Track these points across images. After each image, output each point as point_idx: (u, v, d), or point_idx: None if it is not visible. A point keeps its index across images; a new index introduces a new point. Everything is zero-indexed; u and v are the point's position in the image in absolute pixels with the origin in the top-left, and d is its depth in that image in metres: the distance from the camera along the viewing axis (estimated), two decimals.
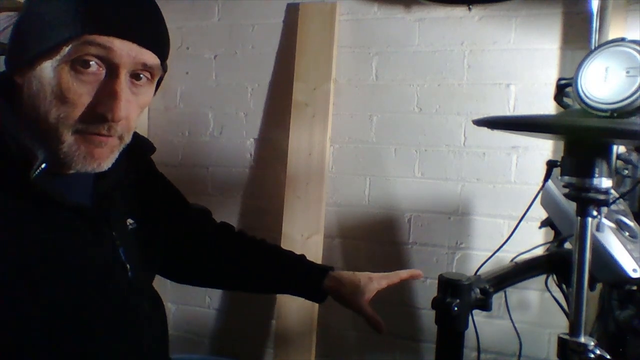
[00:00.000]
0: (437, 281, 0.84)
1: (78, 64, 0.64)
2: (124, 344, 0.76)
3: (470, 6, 1.52)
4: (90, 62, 0.64)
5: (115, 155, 0.72)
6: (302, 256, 1.05)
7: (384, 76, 1.65)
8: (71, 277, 0.69)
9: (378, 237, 1.69)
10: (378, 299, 1.75)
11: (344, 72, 1.68)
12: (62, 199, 0.69)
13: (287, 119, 1.69)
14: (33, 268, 0.65)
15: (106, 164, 0.70)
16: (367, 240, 1.70)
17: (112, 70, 0.65)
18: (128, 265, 0.78)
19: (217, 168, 1.84)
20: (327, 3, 1.66)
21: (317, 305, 1.63)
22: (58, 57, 0.63)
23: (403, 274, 1.05)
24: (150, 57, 0.68)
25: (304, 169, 1.66)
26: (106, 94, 0.65)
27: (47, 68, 0.64)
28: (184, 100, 1.86)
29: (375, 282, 1.01)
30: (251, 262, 1.03)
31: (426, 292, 1.65)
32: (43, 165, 0.65)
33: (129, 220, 0.83)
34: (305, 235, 1.65)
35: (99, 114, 0.65)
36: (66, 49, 0.63)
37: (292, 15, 1.72)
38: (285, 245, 1.66)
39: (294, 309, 1.64)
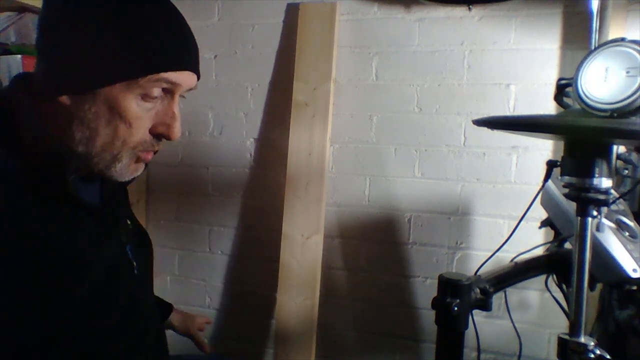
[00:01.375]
0: (437, 281, 0.84)
1: (148, 95, 0.68)
2: (130, 339, 0.79)
3: (470, 6, 1.52)
4: (158, 94, 0.70)
5: None
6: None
7: (384, 76, 1.65)
8: (87, 274, 0.71)
9: (378, 237, 1.69)
10: (378, 298, 1.75)
11: (344, 72, 1.68)
12: (82, 199, 0.71)
13: (287, 119, 1.69)
14: (55, 264, 0.67)
15: (140, 171, 0.76)
16: (367, 240, 1.70)
17: (171, 94, 0.72)
18: (134, 263, 0.82)
19: (217, 168, 1.84)
20: (327, 3, 1.66)
21: (317, 305, 1.63)
22: (129, 88, 0.67)
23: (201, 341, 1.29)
24: (195, 80, 0.74)
25: (304, 169, 1.66)
26: (166, 115, 0.72)
27: (114, 95, 0.67)
28: (184, 100, 1.85)
29: (197, 319, 1.26)
30: None
31: (426, 292, 1.65)
32: (75, 170, 0.69)
33: (127, 221, 0.87)
34: (305, 235, 1.65)
35: (159, 134, 0.72)
36: (140, 82, 0.67)
37: (292, 15, 1.72)
38: (285, 245, 1.66)
39: (294, 309, 1.64)
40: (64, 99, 0.67)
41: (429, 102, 1.61)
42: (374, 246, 1.70)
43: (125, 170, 0.72)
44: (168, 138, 0.72)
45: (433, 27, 1.60)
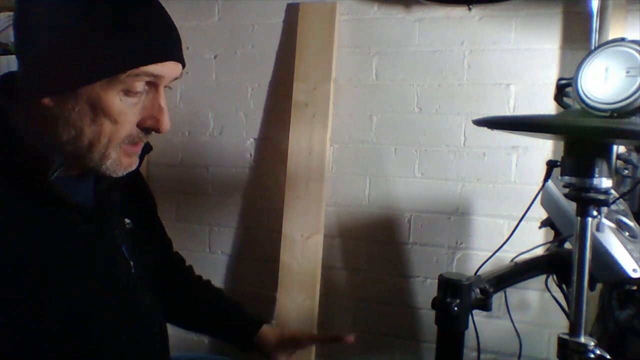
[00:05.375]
0: (437, 281, 0.84)
1: (130, 90, 0.67)
2: (127, 338, 0.79)
3: (470, 6, 1.52)
4: (141, 88, 0.68)
5: None
6: (240, 306, 1.09)
7: (384, 76, 1.65)
8: (80, 274, 0.71)
9: (378, 237, 1.69)
10: (378, 298, 1.75)
11: (344, 72, 1.68)
12: (69, 199, 0.71)
13: (287, 119, 1.68)
14: (45, 266, 0.67)
15: (135, 166, 0.75)
16: (367, 240, 1.70)
17: (155, 86, 0.70)
18: (131, 262, 0.81)
19: (217, 168, 1.84)
20: (327, 3, 1.66)
21: (317, 305, 1.63)
22: (110, 84, 0.65)
23: (328, 335, 1.12)
24: (180, 70, 0.73)
25: (304, 169, 1.66)
26: (152, 109, 0.70)
27: (96, 93, 0.65)
28: (184, 100, 1.86)
29: (297, 341, 1.06)
30: (195, 304, 1.07)
31: (426, 292, 1.65)
32: (58, 170, 0.68)
33: (126, 220, 0.86)
34: (305, 235, 1.65)
35: (147, 127, 0.71)
36: (121, 78, 0.65)
37: (292, 15, 1.72)
38: (285, 245, 1.66)
39: (294, 309, 1.64)
40: (47, 100, 0.67)
41: (429, 102, 1.61)
42: (374, 246, 1.70)
43: (117, 165, 0.71)
44: (157, 131, 0.72)
45: (433, 27, 1.60)
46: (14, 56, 1.47)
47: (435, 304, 0.82)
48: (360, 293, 1.71)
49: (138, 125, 0.70)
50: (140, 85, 0.68)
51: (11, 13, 1.56)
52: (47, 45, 0.65)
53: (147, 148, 0.89)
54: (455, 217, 1.61)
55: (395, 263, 1.67)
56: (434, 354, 0.86)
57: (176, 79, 0.73)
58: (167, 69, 0.69)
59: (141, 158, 0.92)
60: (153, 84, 0.70)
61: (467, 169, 1.59)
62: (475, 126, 0.74)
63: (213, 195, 1.84)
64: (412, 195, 1.64)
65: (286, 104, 1.70)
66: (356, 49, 1.67)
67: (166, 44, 0.70)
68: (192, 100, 1.85)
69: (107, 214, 0.79)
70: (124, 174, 0.73)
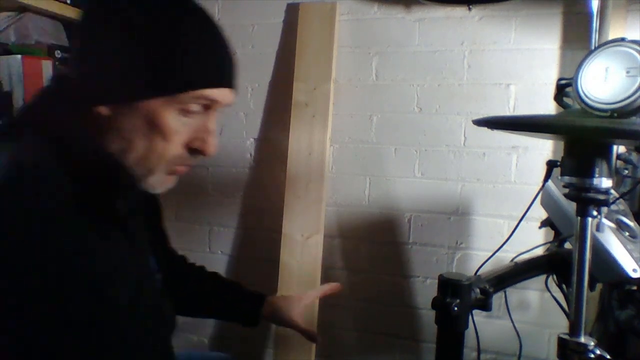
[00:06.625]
0: (437, 281, 0.84)
1: (187, 110, 0.68)
2: (156, 347, 0.79)
3: (470, 6, 1.52)
4: (196, 109, 0.69)
5: None
6: (238, 284, 1.11)
7: (384, 76, 1.65)
8: (121, 287, 0.70)
9: (378, 237, 1.69)
10: (378, 298, 1.75)
11: (344, 72, 1.68)
12: (120, 217, 0.70)
13: (287, 119, 1.68)
14: (96, 278, 0.65)
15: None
16: (367, 240, 1.70)
17: (208, 109, 0.71)
18: (157, 272, 0.82)
19: (217, 168, 1.84)
20: (327, 3, 1.66)
21: (317, 305, 1.63)
22: (169, 102, 0.66)
23: (324, 287, 1.16)
24: (233, 97, 0.74)
25: (304, 169, 1.66)
26: (202, 130, 0.71)
27: (153, 109, 0.66)
28: None
29: (303, 298, 1.10)
30: (197, 291, 1.07)
31: (426, 292, 1.65)
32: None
33: (150, 231, 0.86)
34: (305, 235, 1.65)
35: (194, 149, 0.71)
36: (180, 98, 0.66)
37: (292, 15, 1.72)
38: (285, 245, 1.66)
39: None
40: (102, 109, 0.66)
41: (429, 102, 1.61)
42: (374, 246, 1.70)
43: (159, 183, 0.72)
44: (203, 154, 0.72)
45: (433, 27, 1.60)
46: (14, 56, 1.47)
47: (435, 304, 0.82)
48: (360, 293, 1.71)
49: (185, 145, 0.70)
50: (196, 107, 0.68)
51: (11, 13, 1.55)
52: (113, 54, 0.65)
53: None
54: (455, 217, 1.61)
55: (395, 263, 1.67)
56: (434, 354, 0.86)
57: (227, 105, 0.74)
58: (224, 95, 0.71)
59: None
60: (207, 107, 0.70)
61: (467, 169, 1.59)
62: (475, 126, 0.74)
63: (213, 195, 1.84)
64: (412, 195, 1.64)
65: (286, 104, 1.70)
66: (356, 49, 1.67)
67: (230, 71, 0.72)
68: None
69: (137, 225, 0.78)
70: (162, 191, 0.73)
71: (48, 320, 0.60)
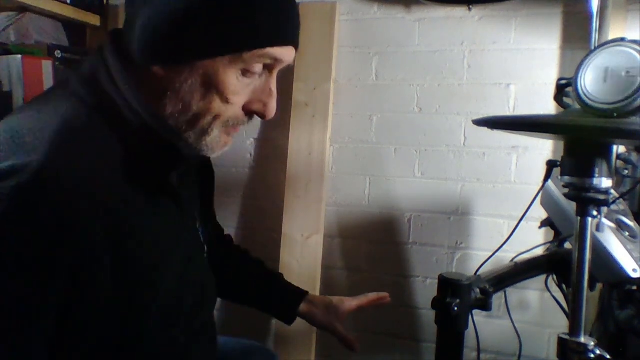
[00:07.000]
0: (437, 281, 0.84)
1: (249, 70, 0.64)
2: (201, 320, 0.77)
3: (470, 6, 1.52)
4: (259, 70, 0.65)
5: None
6: (281, 276, 1.07)
7: (384, 76, 1.65)
8: (174, 258, 0.69)
9: (378, 237, 1.69)
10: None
11: (344, 72, 1.68)
12: (171, 184, 0.68)
13: (287, 119, 1.68)
14: (147, 253, 0.64)
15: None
16: (367, 240, 1.70)
17: (270, 70, 0.67)
18: (205, 246, 0.80)
19: (217, 168, 1.82)
20: (327, 3, 1.66)
21: None
22: (232, 62, 0.62)
23: (372, 296, 1.08)
24: (294, 56, 0.69)
25: (304, 169, 1.66)
26: (263, 93, 0.67)
27: (214, 69, 0.62)
28: None
29: (346, 304, 1.04)
30: (238, 276, 1.04)
31: (426, 292, 1.65)
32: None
33: (199, 200, 0.83)
34: (305, 235, 1.65)
35: (254, 110, 0.67)
36: (244, 56, 0.62)
37: None
38: (285, 245, 1.66)
39: None
40: (158, 69, 0.63)
41: (429, 102, 1.61)
42: (374, 246, 1.70)
43: (216, 144, 0.67)
44: (262, 116, 0.68)
45: (433, 27, 1.60)
46: (14, 56, 1.47)
47: (435, 304, 0.82)
48: (360, 293, 1.70)
49: (244, 107, 0.67)
50: (259, 67, 0.64)
51: (11, 13, 1.55)
52: (173, 10, 0.60)
53: None
54: (455, 217, 1.61)
55: (395, 263, 1.67)
56: (434, 354, 0.86)
57: (289, 65, 0.70)
58: (288, 54, 0.66)
59: None
60: (269, 68, 0.66)
61: (467, 169, 1.59)
62: (475, 126, 0.74)
63: None
64: (412, 195, 1.64)
65: (286, 104, 1.70)
66: (356, 49, 1.67)
67: (294, 29, 0.67)
68: None
69: (187, 196, 0.75)
70: (219, 154, 0.69)
71: (99, 289, 0.58)
